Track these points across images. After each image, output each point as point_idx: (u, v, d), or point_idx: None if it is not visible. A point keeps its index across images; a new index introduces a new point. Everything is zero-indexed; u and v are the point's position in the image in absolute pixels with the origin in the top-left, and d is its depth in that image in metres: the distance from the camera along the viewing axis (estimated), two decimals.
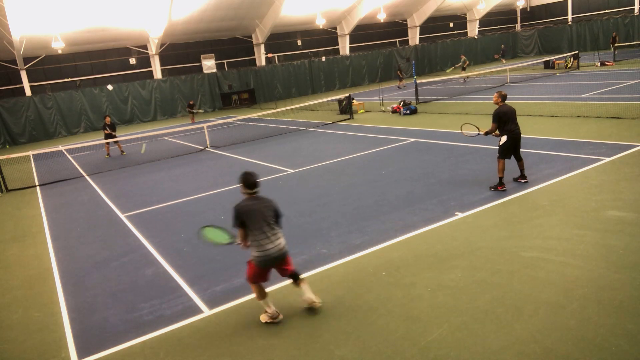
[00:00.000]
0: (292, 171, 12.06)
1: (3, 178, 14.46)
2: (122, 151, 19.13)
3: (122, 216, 10.06)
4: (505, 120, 8.26)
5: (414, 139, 13.97)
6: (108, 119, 18.66)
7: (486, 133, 8.59)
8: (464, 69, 30.77)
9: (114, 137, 18.61)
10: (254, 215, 4.88)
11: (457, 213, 7.60)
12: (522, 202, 7.73)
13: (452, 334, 4.52)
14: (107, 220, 9.91)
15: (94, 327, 5.59)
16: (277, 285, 5.90)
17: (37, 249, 8.74)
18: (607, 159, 9.32)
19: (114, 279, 6.89)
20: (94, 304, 6.17)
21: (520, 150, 8.57)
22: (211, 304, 5.70)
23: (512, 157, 8.52)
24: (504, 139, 8.30)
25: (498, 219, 7.22)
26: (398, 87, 32.31)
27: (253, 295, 5.76)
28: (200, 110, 26.57)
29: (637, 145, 9.97)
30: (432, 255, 6.25)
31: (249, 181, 4.95)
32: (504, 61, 37.83)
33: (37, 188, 14.38)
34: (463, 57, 30.75)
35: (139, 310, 5.80)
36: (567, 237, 6.25)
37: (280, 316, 5.15)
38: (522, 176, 8.69)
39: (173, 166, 15.00)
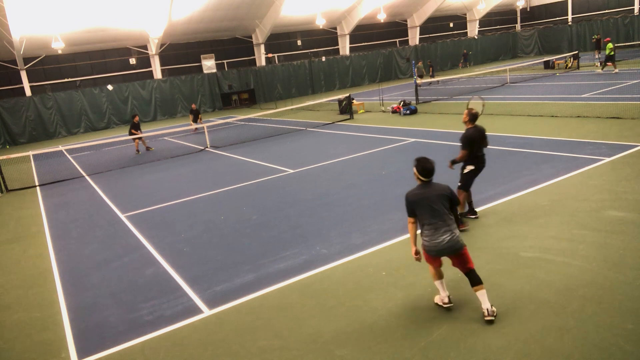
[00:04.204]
0: (292, 171, 12.06)
1: (3, 178, 14.46)
2: (148, 147, 19.44)
3: (122, 216, 10.06)
4: (475, 146, 6.94)
5: (414, 139, 13.97)
6: (137, 118, 19.05)
7: (453, 162, 7.03)
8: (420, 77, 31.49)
9: (137, 134, 18.90)
10: (422, 204, 4.76)
11: None
12: (522, 202, 7.73)
13: (452, 334, 4.52)
14: (107, 220, 9.91)
15: (94, 327, 5.59)
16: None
17: (37, 249, 8.74)
18: (607, 159, 9.31)
19: (114, 279, 6.88)
20: (94, 304, 6.17)
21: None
22: (211, 304, 5.70)
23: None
24: (470, 167, 7.03)
25: (498, 219, 7.22)
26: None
27: (253, 296, 5.78)
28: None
29: (637, 145, 9.96)
30: None
31: (423, 169, 4.80)
32: (468, 65, 38.76)
33: (37, 188, 14.38)
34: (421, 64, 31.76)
35: (139, 310, 5.80)
36: (567, 237, 6.25)
37: (450, 303, 4.95)
38: (472, 210, 7.37)
39: (173, 166, 15.00)
